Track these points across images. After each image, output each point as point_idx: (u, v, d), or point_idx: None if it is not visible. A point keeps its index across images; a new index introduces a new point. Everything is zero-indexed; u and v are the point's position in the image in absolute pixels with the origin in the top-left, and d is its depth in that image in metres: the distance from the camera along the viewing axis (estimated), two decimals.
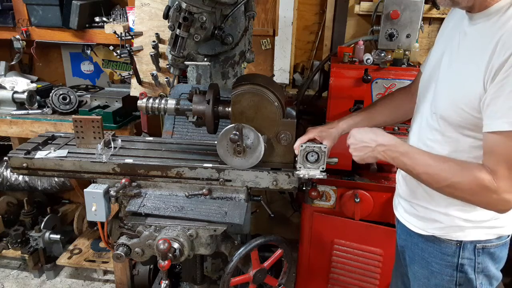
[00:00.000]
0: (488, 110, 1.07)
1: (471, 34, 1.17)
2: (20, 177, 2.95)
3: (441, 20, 2.55)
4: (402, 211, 1.46)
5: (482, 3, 1.11)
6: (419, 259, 1.42)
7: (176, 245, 1.43)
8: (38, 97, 2.58)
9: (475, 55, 1.11)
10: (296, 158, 1.51)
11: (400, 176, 1.51)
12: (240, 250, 1.51)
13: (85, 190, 1.53)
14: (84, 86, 2.99)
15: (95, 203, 1.51)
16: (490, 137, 1.08)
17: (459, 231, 1.29)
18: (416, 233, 1.40)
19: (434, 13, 2.48)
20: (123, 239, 1.51)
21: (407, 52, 2.18)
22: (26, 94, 2.50)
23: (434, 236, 1.35)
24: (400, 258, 1.58)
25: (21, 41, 2.58)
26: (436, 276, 1.37)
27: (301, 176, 1.50)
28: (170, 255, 1.40)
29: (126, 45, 2.23)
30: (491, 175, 1.09)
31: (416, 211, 1.38)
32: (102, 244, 2.81)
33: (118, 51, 2.20)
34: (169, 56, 1.52)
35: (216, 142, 1.53)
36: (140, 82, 2.25)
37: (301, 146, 1.47)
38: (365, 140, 1.30)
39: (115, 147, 1.66)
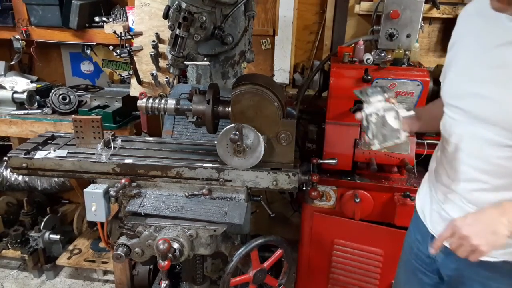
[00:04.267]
0: None
1: None
2: (20, 177, 2.95)
3: (441, 20, 2.55)
4: None
5: None
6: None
7: (176, 245, 1.43)
8: (37, 97, 2.58)
9: None
10: (363, 125, 1.31)
11: (453, 197, 1.27)
12: (240, 250, 1.51)
13: (85, 190, 1.53)
14: (84, 86, 2.99)
15: (95, 203, 1.51)
16: None
17: None
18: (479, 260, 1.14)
19: (434, 13, 2.47)
20: (123, 239, 1.50)
21: (407, 52, 2.17)
22: (25, 94, 2.49)
23: (504, 262, 1.19)
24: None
25: (20, 41, 2.58)
26: None
27: (378, 147, 1.31)
28: (170, 255, 1.40)
29: (126, 45, 2.23)
30: None
31: None
32: (102, 244, 2.80)
33: (118, 51, 2.20)
34: (169, 56, 1.52)
35: (216, 142, 1.53)
36: (140, 82, 2.25)
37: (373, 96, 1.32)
38: (499, 222, 1.07)
39: (115, 147, 1.66)
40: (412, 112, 1.31)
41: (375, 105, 1.30)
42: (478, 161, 1.16)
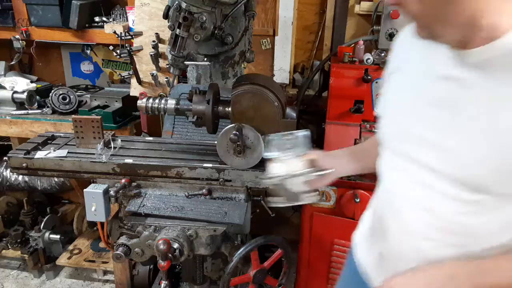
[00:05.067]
0: None
1: (477, 78, 0.81)
2: (20, 177, 2.95)
3: None
4: None
5: (488, 30, 0.76)
6: None
7: (176, 245, 1.43)
8: (37, 97, 2.58)
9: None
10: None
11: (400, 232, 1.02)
12: (240, 250, 1.51)
13: (85, 190, 1.53)
14: (84, 86, 2.99)
15: (95, 203, 1.51)
16: None
17: None
18: None
19: None
20: (123, 239, 1.50)
21: None
22: (25, 94, 2.49)
23: None
24: None
25: (21, 41, 2.58)
26: None
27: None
28: (170, 255, 1.40)
29: (126, 45, 2.23)
30: None
31: None
32: (102, 244, 2.80)
33: (118, 51, 2.20)
34: (169, 56, 1.52)
35: (216, 142, 1.53)
36: (140, 82, 2.25)
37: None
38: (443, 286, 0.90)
39: (115, 147, 1.66)
40: (323, 172, 1.17)
41: (280, 167, 1.14)
42: (428, 216, 0.94)
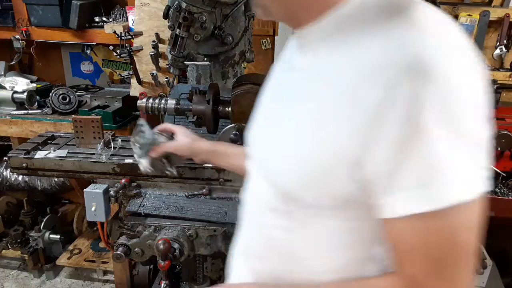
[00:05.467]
0: (386, 182, 0.60)
1: (308, 61, 0.70)
2: (20, 177, 2.95)
3: None
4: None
5: (316, 5, 0.66)
6: None
7: (176, 245, 1.43)
8: (37, 97, 2.58)
9: (326, 96, 0.63)
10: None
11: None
12: None
13: (85, 190, 1.53)
14: (84, 86, 2.99)
15: (94, 203, 1.51)
16: (398, 224, 0.62)
17: None
18: None
19: None
20: (122, 239, 1.50)
21: None
22: (25, 94, 2.50)
23: None
24: None
25: (20, 41, 2.58)
26: None
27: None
28: (170, 255, 1.40)
29: (126, 45, 2.23)
30: (409, 283, 0.65)
31: None
32: (102, 244, 2.80)
33: (118, 51, 2.20)
34: (169, 56, 1.52)
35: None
36: (140, 82, 2.25)
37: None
38: None
39: (115, 147, 1.66)
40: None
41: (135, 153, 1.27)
42: (256, 230, 0.83)
